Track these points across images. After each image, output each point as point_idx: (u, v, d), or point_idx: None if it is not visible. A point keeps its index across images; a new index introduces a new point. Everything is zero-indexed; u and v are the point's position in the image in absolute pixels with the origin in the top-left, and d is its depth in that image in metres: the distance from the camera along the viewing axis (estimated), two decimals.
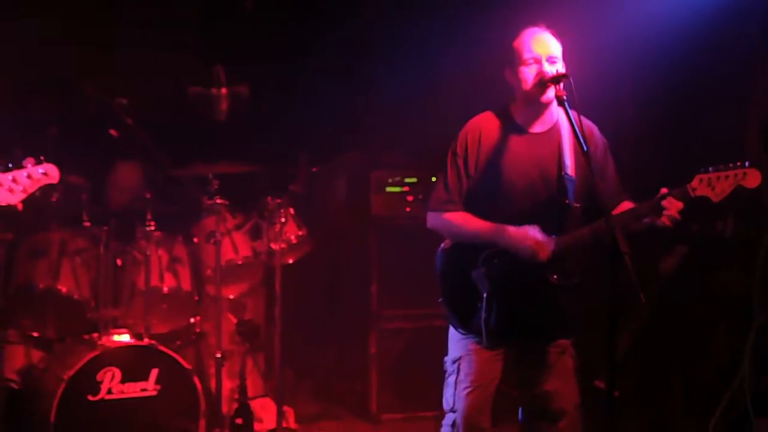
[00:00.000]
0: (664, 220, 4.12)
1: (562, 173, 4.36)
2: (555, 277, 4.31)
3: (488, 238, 4.34)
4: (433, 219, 4.52)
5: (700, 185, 4.10)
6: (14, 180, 4.32)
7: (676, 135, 6.50)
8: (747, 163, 4.09)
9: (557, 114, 4.42)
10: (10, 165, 4.34)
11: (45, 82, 6.89)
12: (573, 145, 4.37)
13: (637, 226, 4.19)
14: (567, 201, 4.34)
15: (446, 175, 4.46)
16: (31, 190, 4.37)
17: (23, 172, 4.34)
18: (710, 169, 4.11)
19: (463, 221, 4.41)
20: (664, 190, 4.14)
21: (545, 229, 4.30)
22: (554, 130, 4.42)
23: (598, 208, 4.30)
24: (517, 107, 4.44)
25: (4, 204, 4.36)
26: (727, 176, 4.08)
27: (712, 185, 4.09)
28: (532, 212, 4.34)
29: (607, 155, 4.45)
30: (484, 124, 4.46)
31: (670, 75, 6.49)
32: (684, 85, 6.48)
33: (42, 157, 4.39)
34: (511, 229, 4.29)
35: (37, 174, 4.36)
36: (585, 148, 4.05)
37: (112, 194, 6.61)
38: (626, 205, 4.32)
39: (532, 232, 4.27)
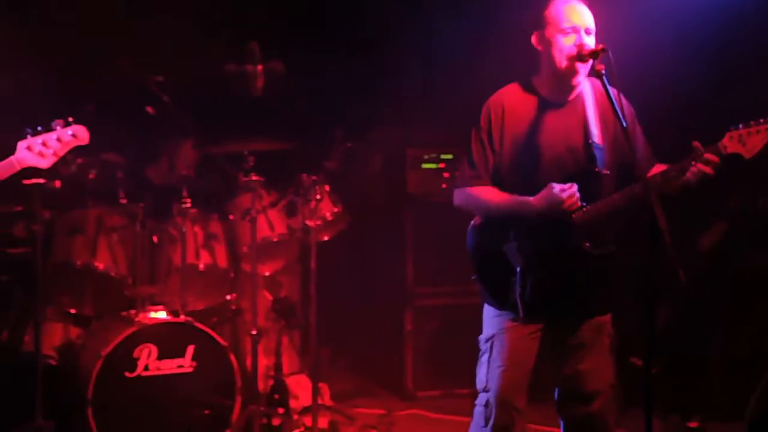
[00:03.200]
0: (697, 168, 4.03)
1: (589, 141, 4.30)
2: (587, 244, 4.24)
3: (513, 210, 4.30)
4: (459, 196, 4.48)
5: (731, 142, 4.03)
6: (44, 144, 4.29)
7: (714, 104, 6.43)
8: None
9: (582, 83, 4.36)
10: (40, 128, 4.32)
11: (82, 59, 6.92)
12: (599, 114, 4.32)
13: (670, 188, 4.12)
14: (597, 169, 4.29)
15: (470, 151, 4.42)
16: (61, 153, 4.33)
17: (53, 135, 4.30)
18: (740, 126, 4.04)
19: (489, 195, 4.37)
20: (696, 144, 4.08)
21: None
22: (578, 100, 4.36)
23: (631, 177, 4.23)
24: (541, 78, 4.39)
25: (35, 167, 4.34)
26: (758, 131, 4.00)
27: (743, 141, 4.01)
28: (561, 182, 4.27)
29: (635, 123, 4.37)
30: (507, 98, 4.41)
31: (708, 43, 6.42)
32: (725, 53, 6.41)
33: (71, 119, 4.37)
34: (532, 198, 4.24)
35: (67, 136, 4.32)
36: (624, 124, 3.99)
37: (181, 170, 6.56)
38: (658, 168, 4.25)
39: (549, 190, 4.20)
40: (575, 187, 4.20)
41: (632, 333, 4.55)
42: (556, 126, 4.33)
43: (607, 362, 4.45)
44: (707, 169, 4.04)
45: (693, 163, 4.05)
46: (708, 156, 4.04)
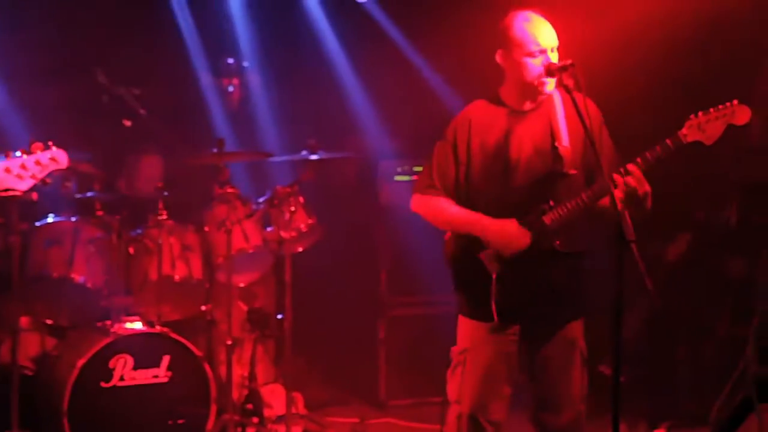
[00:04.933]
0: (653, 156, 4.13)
1: (555, 144, 4.38)
2: (558, 242, 4.33)
3: (465, 227, 4.41)
4: (416, 201, 4.57)
5: (690, 131, 4.09)
6: (23, 166, 4.33)
7: (690, 106, 6.53)
8: (735, 102, 4.08)
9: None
10: (18, 151, 4.37)
11: (59, 70, 6.97)
12: (569, 118, 4.38)
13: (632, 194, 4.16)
14: (564, 170, 4.36)
15: (431, 161, 4.51)
16: (40, 176, 4.38)
17: (32, 158, 4.35)
18: (699, 114, 4.09)
19: (443, 208, 4.46)
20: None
21: (545, 199, 4.33)
22: (546, 105, 4.44)
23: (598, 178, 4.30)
24: (507, 89, 4.47)
25: (14, 190, 4.39)
26: (716, 117, 4.07)
27: (702, 129, 4.07)
28: (530, 186, 4.37)
29: (602, 128, 4.44)
30: (474, 111, 4.50)
31: (684, 46, 6.52)
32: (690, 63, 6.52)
33: (50, 143, 4.42)
34: (487, 223, 4.34)
35: (46, 159, 4.36)
36: (589, 132, 4.04)
37: (139, 185, 6.66)
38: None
39: (508, 227, 4.32)
40: (526, 240, 4.31)
41: (600, 342, 4.63)
42: (524, 132, 4.42)
43: (578, 375, 4.51)
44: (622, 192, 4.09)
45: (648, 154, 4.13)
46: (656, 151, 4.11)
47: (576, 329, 4.51)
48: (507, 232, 4.32)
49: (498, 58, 4.44)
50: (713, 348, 6.18)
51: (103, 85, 6.39)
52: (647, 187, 4.14)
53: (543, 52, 4.30)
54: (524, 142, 4.41)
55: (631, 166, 4.12)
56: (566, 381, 4.48)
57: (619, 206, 3.88)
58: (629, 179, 4.07)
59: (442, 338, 4.75)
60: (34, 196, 5.78)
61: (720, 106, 4.08)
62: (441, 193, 4.47)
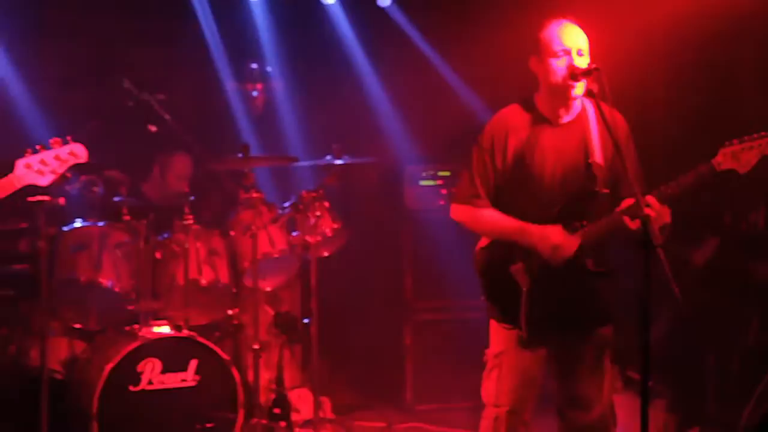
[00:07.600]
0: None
1: (589, 161, 4.37)
2: (590, 261, 4.33)
3: (511, 237, 4.40)
4: (457, 211, 4.56)
5: (725, 159, 4.06)
6: (42, 162, 4.38)
7: (706, 125, 6.51)
8: None
9: (582, 102, 4.43)
10: (38, 147, 4.41)
11: (85, 76, 7.02)
12: (601, 133, 4.37)
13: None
14: (596, 188, 4.35)
15: (472, 168, 4.49)
16: (60, 171, 4.42)
17: (51, 153, 4.40)
18: (734, 141, 4.07)
19: (489, 218, 4.45)
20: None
21: (577, 217, 4.33)
22: (580, 119, 4.42)
23: (624, 195, 4.30)
24: (542, 97, 4.45)
25: (37, 187, 4.44)
26: (751, 147, 4.04)
27: (737, 157, 4.04)
28: (563, 201, 4.37)
29: (629, 141, 4.44)
30: (510, 118, 4.47)
31: (699, 64, 6.50)
32: (715, 73, 6.49)
33: (69, 138, 4.45)
34: (533, 230, 4.33)
35: (65, 154, 4.41)
36: (620, 147, 4.06)
37: (172, 182, 6.75)
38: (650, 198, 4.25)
39: (553, 235, 4.30)
40: (575, 245, 4.29)
41: (628, 347, 4.62)
42: (559, 145, 4.40)
43: (608, 375, 4.53)
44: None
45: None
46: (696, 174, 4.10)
47: (605, 332, 4.53)
48: (554, 239, 4.30)
49: (531, 64, 4.44)
50: (741, 354, 6.14)
51: (128, 90, 6.42)
52: (667, 219, 4.12)
53: (567, 52, 4.29)
54: (559, 156, 4.40)
55: (650, 198, 4.07)
56: (597, 380, 4.50)
57: (646, 212, 3.87)
58: (648, 211, 3.98)
59: (469, 342, 4.76)
60: (62, 201, 5.82)
61: (755, 135, 4.06)
62: (486, 203, 4.46)
